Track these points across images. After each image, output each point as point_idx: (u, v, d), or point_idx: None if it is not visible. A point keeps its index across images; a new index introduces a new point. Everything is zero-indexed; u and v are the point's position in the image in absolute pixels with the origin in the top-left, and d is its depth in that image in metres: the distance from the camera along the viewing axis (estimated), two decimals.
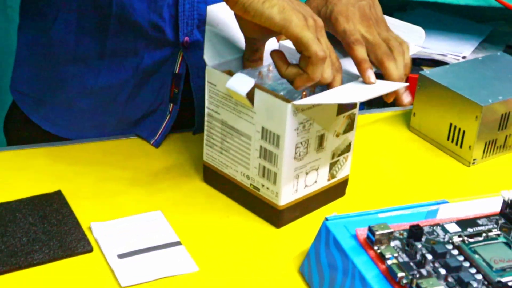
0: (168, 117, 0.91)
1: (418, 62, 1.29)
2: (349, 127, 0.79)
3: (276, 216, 0.77)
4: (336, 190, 0.82)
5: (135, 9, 0.85)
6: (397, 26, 0.88)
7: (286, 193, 0.76)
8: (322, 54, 0.69)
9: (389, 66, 0.79)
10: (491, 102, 0.88)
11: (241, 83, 0.74)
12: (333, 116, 0.76)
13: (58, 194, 0.79)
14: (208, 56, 0.78)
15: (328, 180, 0.80)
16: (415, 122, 0.98)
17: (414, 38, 0.87)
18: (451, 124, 0.92)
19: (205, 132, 0.81)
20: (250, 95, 0.73)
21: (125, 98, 0.91)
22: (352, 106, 0.77)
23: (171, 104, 0.91)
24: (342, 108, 0.76)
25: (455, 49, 1.28)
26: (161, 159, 0.88)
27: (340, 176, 0.82)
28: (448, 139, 0.93)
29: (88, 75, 0.89)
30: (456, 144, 0.92)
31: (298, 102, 0.71)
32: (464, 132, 0.91)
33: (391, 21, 0.88)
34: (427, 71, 0.97)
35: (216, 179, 0.83)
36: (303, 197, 0.78)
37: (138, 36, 0.87)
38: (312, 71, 0.70)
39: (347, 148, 0.80)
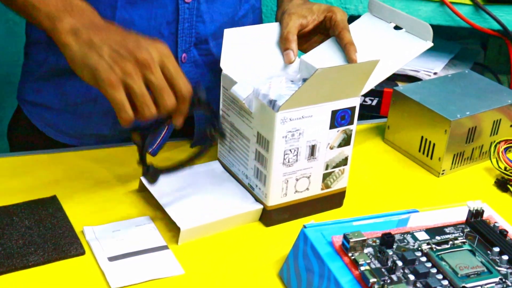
0: (166, 128, 0.89)
1: (393, 78, 1.28)
2: (345, 141, 0.77)
3: (265, 215, 0.77)
4: (332, 200, 0.80)
5: (136, 25, 0.84)
6: (403, 19, 0.85)
7: (275, 195, 0.75)
8: (125, 117, 0.67)
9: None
10: (459, 117, 0.88)
11: (243, 89, 0.74)
12: (325, 129, 0.74)
13: (53, 199, 0.77)
14: (224, 62, 0.78)
15: (322, 189, 0.78)
16: (389, 134, 0.97)
17: (422, 34, 0.84)
18: (422, 137, 0.91)
19: None
20: (249, 101, 0.74)
21: None
22: (347, 122, 0.75)
23: None
24: (336, 122, 0.75)
25: (427, 66, 1.26)
26: None
27: (335, 187, 0.79)
28: (419, 151, 0.92)
29: None
30: (427, 155, 0.91)
31: (282, 109, 0.70)
32: (434, 144, 0.90)
33: (397, 13, 0.85)
34: (401, 87, 0.96)
35: None
36: (293, 201, 0.77)
37: None
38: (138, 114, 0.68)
39: (344, 162, 0.78)
